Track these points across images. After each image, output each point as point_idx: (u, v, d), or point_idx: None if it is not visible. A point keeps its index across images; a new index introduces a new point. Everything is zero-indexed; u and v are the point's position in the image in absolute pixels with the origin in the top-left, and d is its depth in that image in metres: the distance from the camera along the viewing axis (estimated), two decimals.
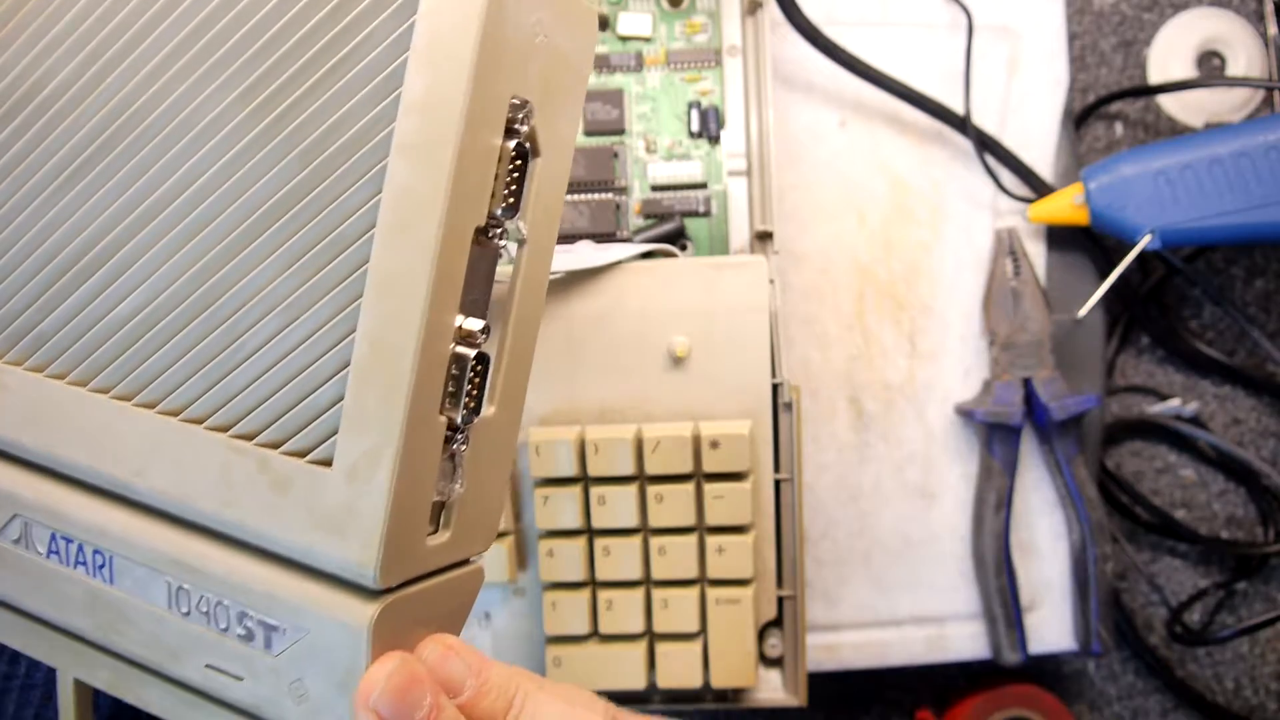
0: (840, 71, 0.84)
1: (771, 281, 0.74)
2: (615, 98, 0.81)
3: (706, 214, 0.81)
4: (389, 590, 0.41)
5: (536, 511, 0.73)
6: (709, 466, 0.72)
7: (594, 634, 0.76)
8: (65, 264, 0.45)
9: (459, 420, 0.41)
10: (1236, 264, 0.90)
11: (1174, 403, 0.89)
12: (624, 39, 0.82)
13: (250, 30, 0.41)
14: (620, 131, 0.82)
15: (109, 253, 0.44)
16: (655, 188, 0.82)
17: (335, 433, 0.40)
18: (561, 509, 0.73)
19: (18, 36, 0.46)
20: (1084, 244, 0.87)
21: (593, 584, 0.75)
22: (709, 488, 0.72)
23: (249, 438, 0.42)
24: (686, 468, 0.72)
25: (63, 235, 0.45)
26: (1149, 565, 0.90)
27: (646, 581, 0.75)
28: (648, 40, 0.82)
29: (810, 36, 0.82)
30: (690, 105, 0.82)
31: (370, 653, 0.40)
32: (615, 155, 0.81)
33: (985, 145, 0.86)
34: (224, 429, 0.43)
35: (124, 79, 0.44)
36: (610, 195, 0.81)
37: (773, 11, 0.81)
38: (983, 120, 0.87)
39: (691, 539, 0.73)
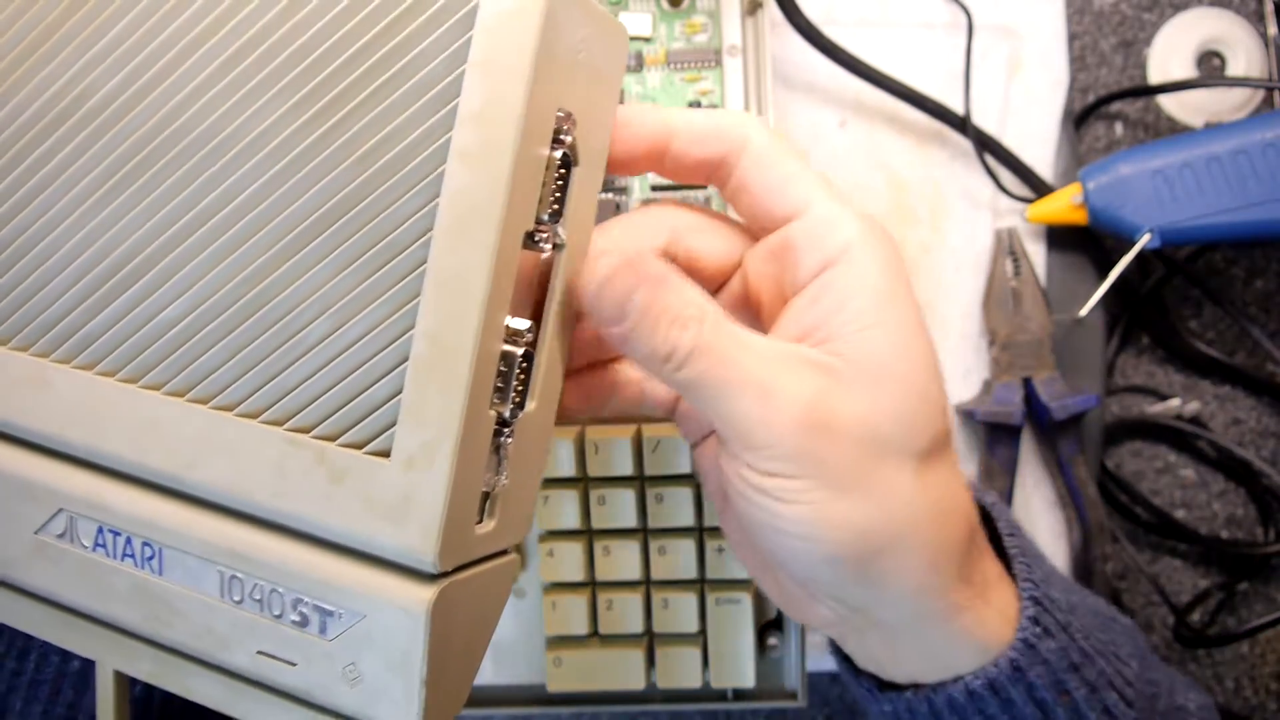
0: (840, 71, 0.87)
1: None
2: None
3: None
4: (444, 575, 0.44)
5: (536, 511, 0.76)
6: None
7: (594, 634, 0.78)
8: (115, 265, 0.48)
9: (507, 415, 0.45)
10: (1236, 264, 0.93)
11: (1174, 403, 0.91)
12: None
13: (305, 43, 0.44)
14: None
15: (160, 255, 0.47)
16: (655, 188, 0.84)
17: (393, 425, 0.43)
18: (561, 509, 0.76)
19: (68, 43, 0.48)
20: (1084, 244, 0.90)
21: (593, 584, 0.78)
22: None
23: (306, 431, 0.45)
24: (686, 468, 0.75)
25: (112, 237, 0.48)
26: (1149, 565, 0.92)
27: (646, 582, 0.77)
28: (648, 40, 0.84)
29: (810, 36, 0.85)
30: (690, 105, 0.84)
31: (428, 635, 0.43)
32: None
33: (985, 145, 0.89)
34: (280, 423, 0.45)
35: (175, 88, 0.47)
36: (610, 195, 0.84)
37: (773, 11, 0.84)
38: (983, 120, 0.90)
39: (691, 539, 0.76)
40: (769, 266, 0.54)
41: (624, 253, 0.48)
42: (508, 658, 0.83)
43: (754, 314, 0.56)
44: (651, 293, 0.47)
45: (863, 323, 0.49)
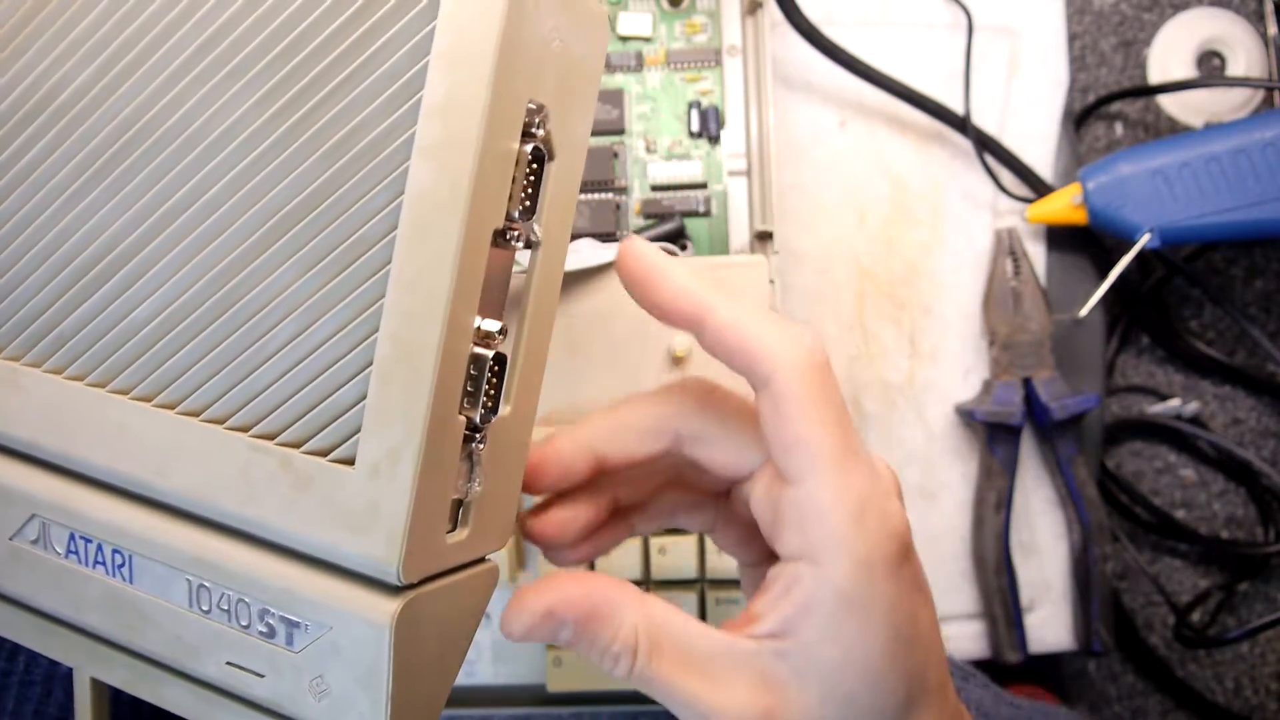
0: (840, 71, 0.85)
1: (771, 281, 0.75)
2: (615, 98, 0.83)
3: (706, 214, 0.82)
4: (411, 586, 0.42)
5: None
6: None
7: None
8: (83, 267, 0.46)
9: (477, 420, 0.42)
10: (1236, 264, 0.91)
11: (1174, 403, 0.90)
12: (624, 39, 0.83)
13: (267, 37, 0.42)
14: (620, 131, 0.83)
15: (127, 256, 0.45)
16: (655, 188, 0.83)
17: (357, 431, 0.41)
18: None
19: (34, 42, 0.46)
20: (1084, 244, 0.89)
21: None
22: None
23: (270, 437, 0.43)
24: None
25: (80, 238, 0.46)
26: (1149, 565, 0.91)
27: (647, 581, 0.76)
28: (648, 40, 0.83)
29: (810, 36, 0.84)
30: (690, 105, 0.83)
31: (393, 649, 0.41)
32: (615, 155, 0.83)
33: (985, 145, 0.87)
34: (245, 429, 0.43)
35: (141, 85, 0.44)
36: (610, 195, 0.83)
37: (773, 11, 0.82)
38: (983, 120, 0.88)
39: (691, 539, 0.74)
40: (770, 502, 0.49)
41: (546, 594, 0.46)
42: (508, 658, 0.82)
43: (754, 527, 0.52)
44: (578, 630, 0.46)
45: (818, 635, 0.46)
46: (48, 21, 0.46)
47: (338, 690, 0.43)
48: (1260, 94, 0.89)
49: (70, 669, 0.66)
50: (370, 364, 0.41)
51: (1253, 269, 0.91)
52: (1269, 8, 0.89)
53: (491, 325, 0.42)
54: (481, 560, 0.47)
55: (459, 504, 0.44)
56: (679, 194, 0.83)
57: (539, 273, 0.46)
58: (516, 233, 0.42)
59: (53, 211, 0.47)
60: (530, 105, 0.42)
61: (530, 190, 0.43)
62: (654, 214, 0.83)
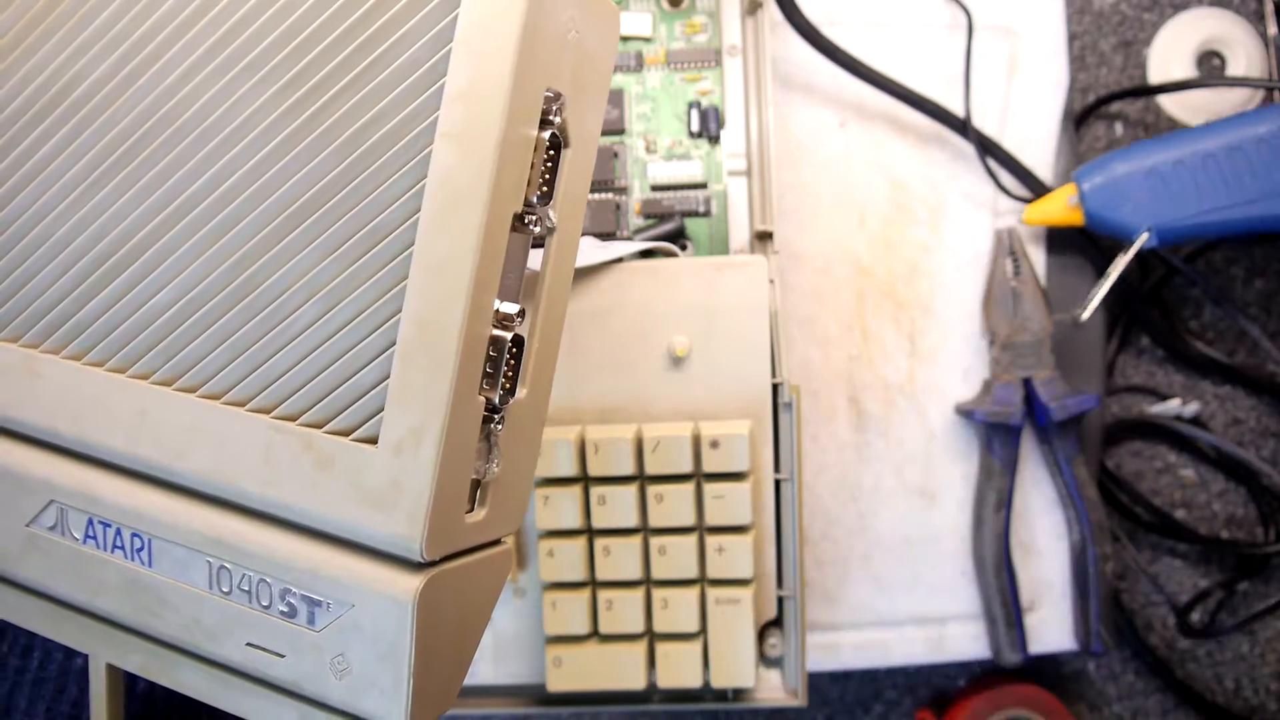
0: (840, 72, 0.86)
1: (771, 281, 0.76)
2: (615, 98, 0.84)
3: (706, 214, 0.84)
4: (432, 564, 0.43)
5: (536, 511, 0.75)
6: (709, 466, 0.73)
7: (594, 634, 0.77)
8: (102, 255, 0.47)
9: (496, 401, 0.44)
10: (1236, 264, 0.92)
11: (1174, 403, 0.91)
12: (624, 39, 0.84)
13: (289, 27, 0.43)
14: (620, 131, 0.84)
15: (146, 243, 0.46)
16: (655, 188, 0.84)
17: (379, 411, 0.42)
18: (561, 509, 0.75)
19: (54, 33, 0.48)
20: (1083, 244, 0.89)
21: (593, 584, 0.77)
22: (709, 488, 0.74)
23: (293, 419, 0.44)
24: (686, 468, 0.74)
25: (100, 227, 0.47)
26: (1149, 565, 0.91)
27: (646, 581, 0.76)
28: (648, 40, 0.84)
29: (810, 37, 0.84)
30: (690, 105, 0.84)
31: (415, 625, 0.42)
32: (615, 155, 0.84)
33: (985, 146, 0.88)
34: (267, 411, 0.44)
35: (160, 76, 0.46)
36: (610, 195, 0.84)
37: (773, 11, 0.83)
38: (983, 121, 0.89)
39: (691, 539, 0.75)
40: None
41: None
42: (508, 657, 0.82)
43: None
44: None
45: None
46: (68, 13, 0.48)
47: (359, 668, 0.44)
48: (1260, 94, 0.90)
49: (83, 665, 0.67)
50: (393, 345, 0.42)
51: (1253, 269, 0.92)
52: (1269, 8, 0.90)
53: (510, 308, 0.43)
54: (497, 542, 0.48)
55: (477, 484, 0.45)
56: (679, 194, 0.84)
57: (554, 258, 0.47)
58: (534, 217, 0.44)
59: (71, 200, 0.48)
60: (548, 93, 0.43)
61: (548, 176, 0.44)
62: (654, 214, 0.84)
